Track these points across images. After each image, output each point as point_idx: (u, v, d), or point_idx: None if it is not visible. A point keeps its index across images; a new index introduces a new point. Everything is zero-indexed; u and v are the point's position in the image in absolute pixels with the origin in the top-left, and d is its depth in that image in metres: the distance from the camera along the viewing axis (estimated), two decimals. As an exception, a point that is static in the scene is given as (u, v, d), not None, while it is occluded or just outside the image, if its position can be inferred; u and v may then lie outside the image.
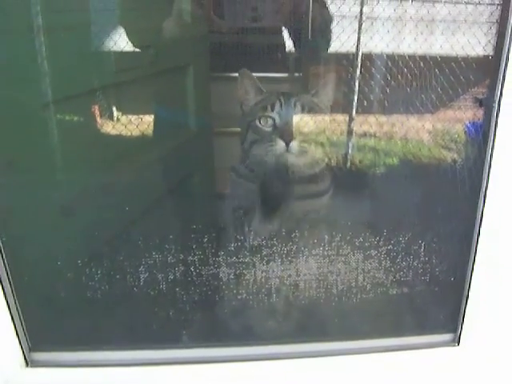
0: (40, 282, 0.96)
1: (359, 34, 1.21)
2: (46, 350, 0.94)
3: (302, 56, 1.28)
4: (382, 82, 1.25)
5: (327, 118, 1.14)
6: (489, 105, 0.85)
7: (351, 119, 1.37)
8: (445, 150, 1.23)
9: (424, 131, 1.28)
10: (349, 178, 1.37)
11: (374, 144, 1.39)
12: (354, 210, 1.22)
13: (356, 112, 1.35)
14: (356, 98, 1.32)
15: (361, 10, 1.17)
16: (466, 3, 1.06)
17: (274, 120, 1.07)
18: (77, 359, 0.94)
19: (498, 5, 0.91)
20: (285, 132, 1.05)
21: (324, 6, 1.12)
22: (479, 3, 1.02)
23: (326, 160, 1.15)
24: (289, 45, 1.23)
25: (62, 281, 0.98)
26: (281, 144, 1.05)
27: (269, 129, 1.07)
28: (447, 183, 1.09)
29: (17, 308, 0.89)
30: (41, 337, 0.94)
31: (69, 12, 1.07)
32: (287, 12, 1.09)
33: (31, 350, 0.93)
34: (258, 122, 1.08)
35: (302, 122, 1.07)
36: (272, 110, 1.07)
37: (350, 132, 1.38)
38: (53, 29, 1.01)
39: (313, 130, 1.09)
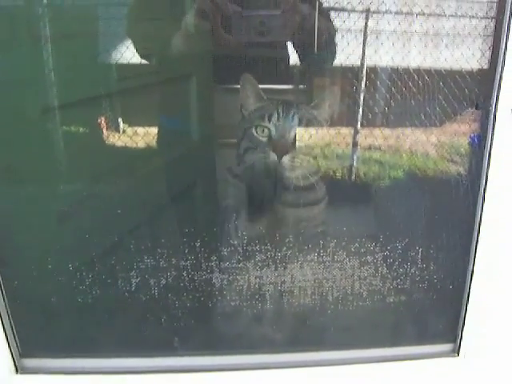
0: (31, 287, 0.95)
1: (364, 47, 1.21)
2: (37, 356, 0.93)
3: (307, 69, 1.28)
4: (384, 93, 1.25)
5: (324, 132, 1.12)
6: (485, 108, 0.84)
7: (355, 132, 1.36)
8: (444, 159, 1.22)
9: (425, 143, 1.27)
10: (344, 189, 1.36)
11: (377, 157, 1.38)
12: (354, 218, 1.21)
13: (355, 125, 1.35)
14: (358, 110, 1.31)
15: (365, 24, 1.18)
16: (469, 17, 1.05)
17: (269, 131, 1.05)
18: (68, 366, 0.93)
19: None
20: (278, 145, 1.04)
21: (328, 20, 1.12)
22: (480, 17, 1.02)
23: (320, 173, 1.13)
24: (293, 58, 1.23)
25: (53, 287, 0.97)
26: (273, 157, 1.03)
27: (264, 139, 1.06)
28: (445, 190, 1.08)
29: (7, 313, 0.89)
30: (31, 343, 0.93)
31: (72, 20, 1.08)
32: (292, 26, 1.08)
33: (21, 356, 0.92)
34: (253, 131, 1.06)
35: (298, 136, 1.05)
36: (269, 121, 1.05)
37: (350, 144, 1.38)
38: (56, 37, 1.02)
39: (308, 145, 1.07)
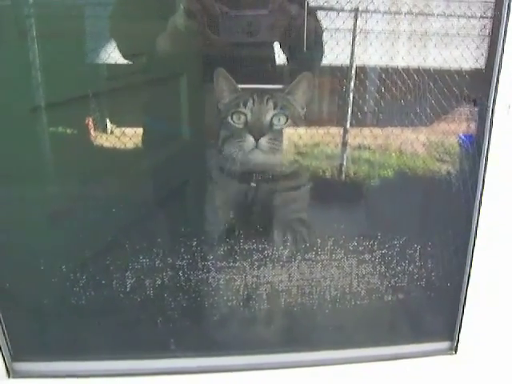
0: (22, 290, 0.93)
1: (353, 46, 1.20)
2: (29, 359, 0.91)
3: (295, 68, 1.27)
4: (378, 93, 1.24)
5: (301, 115, 1.13)
6: (483, 104, 0.83)
7: (344, 132, 1.36)
8: (442, 158, 1.21)
9: (416, 143, 1.28)
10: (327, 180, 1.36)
11: (375, 157, 1.38)
12: (354, 218, 1.21)
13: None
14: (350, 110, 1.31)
15: (354, 23, 1.17)
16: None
17: (245, 116, 1.06)
18: (60, 369, 0.91)
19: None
20: (255, 128, 1.05)
21: (316, 19, 1.11)
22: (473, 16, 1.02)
23: (300, 160, 1.14)
24: (281, 57, 1.22)
25: (45, 289, 0.96)
26: (250, 140, 1.04)
27: (240, 125, 1.07)
28: (442, 189, 1.08)
29: (-2, 317, 0.87)
30: (23, 346, 0.91)
31: (60, 19, 1.06)
32: (280, 26, 1.07)
33: (13, 359, 0.90)
34: (230, 119, 1.07)
35: (274, 119, 1.07)
36: (244, 107, 1.07)
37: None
38: (44, 35, 1.00)
39: (285, 128, 1.08)
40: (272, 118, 1.06)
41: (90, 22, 1.16)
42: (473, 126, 0.97)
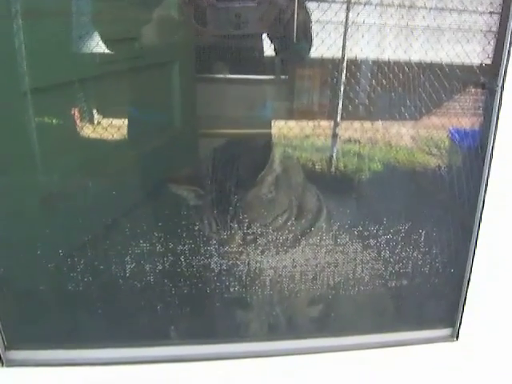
0: (15, 277, 0.91)
1: (344, 40, 1.20)
2: (23, 348, 0.88)
3: (283, 59, 1.26)
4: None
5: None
6: (491, 88, 0.82)
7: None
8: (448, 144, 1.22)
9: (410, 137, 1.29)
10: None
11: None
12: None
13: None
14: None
15: (346, 16, 1.16)
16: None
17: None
18: (56, 358, 0.89)
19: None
20: (226, 242, 0.96)
21: (305, 11, 1.09)
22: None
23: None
24: (268, 48, 1.20)
25: (38, 276, 0.93)
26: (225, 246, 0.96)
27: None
28: (448, 175, 1.08)
29: (-9, 304, 0.84)
30: (17, 334, 0.88)
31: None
32: (268, 18, 1.06)
33: (7, 348, 0.87)
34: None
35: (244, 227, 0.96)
36: (209, 229, 0.96)
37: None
38: (32, 14, 0.97)
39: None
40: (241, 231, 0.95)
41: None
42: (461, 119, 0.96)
